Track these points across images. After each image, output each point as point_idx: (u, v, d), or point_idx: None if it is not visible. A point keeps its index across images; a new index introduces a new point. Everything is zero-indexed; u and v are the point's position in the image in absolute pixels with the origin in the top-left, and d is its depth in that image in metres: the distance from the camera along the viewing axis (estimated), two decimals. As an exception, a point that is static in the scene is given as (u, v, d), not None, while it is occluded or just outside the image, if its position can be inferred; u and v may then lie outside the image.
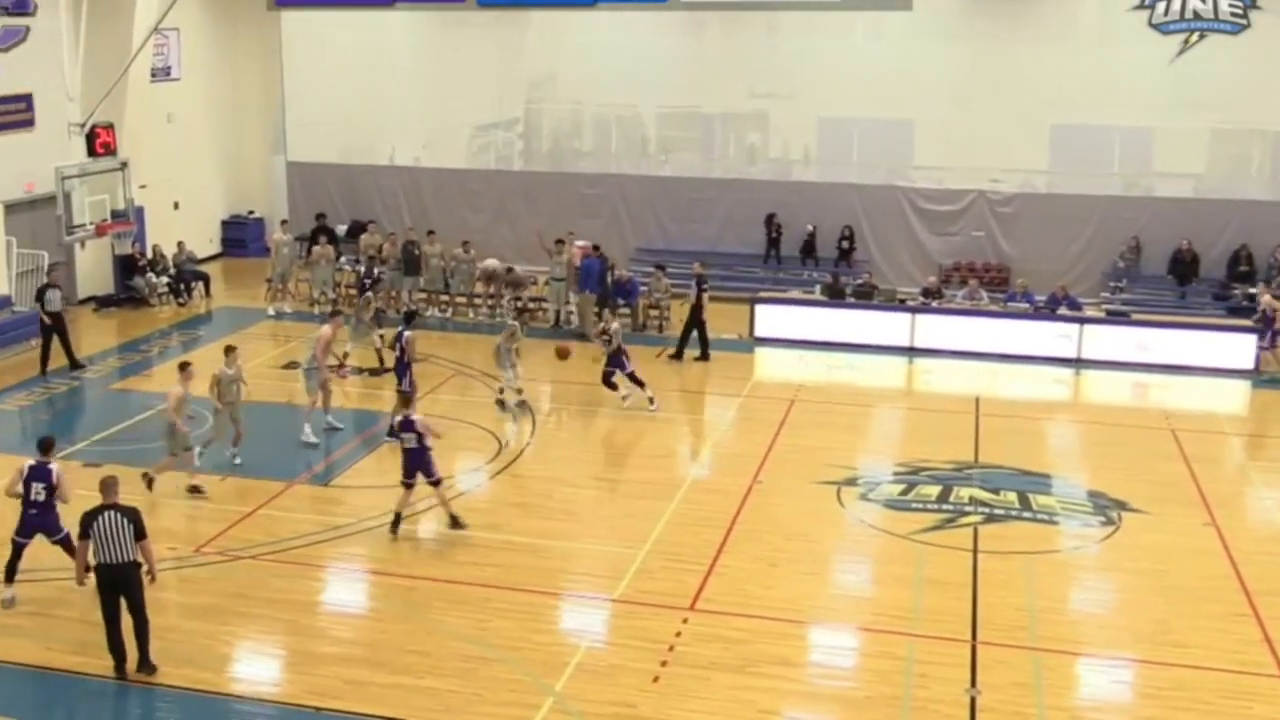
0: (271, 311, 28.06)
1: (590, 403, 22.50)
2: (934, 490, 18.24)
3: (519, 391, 21.88)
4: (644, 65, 31.04)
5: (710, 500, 17.82)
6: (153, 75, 30.54)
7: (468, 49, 32.35)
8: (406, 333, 20.70)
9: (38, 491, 14.14)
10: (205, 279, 30.15)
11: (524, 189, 32.21)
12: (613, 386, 21.87)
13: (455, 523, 16.61)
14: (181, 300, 29.34)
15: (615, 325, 22.07)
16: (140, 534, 12.84)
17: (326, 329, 20.11)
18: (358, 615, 14.74)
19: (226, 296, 30.20)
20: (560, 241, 27.72)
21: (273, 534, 16.51)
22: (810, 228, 29.97)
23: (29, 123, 27.19)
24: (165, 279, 29.41)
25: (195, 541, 16.12)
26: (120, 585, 12.81)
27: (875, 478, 18.86)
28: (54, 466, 14.26)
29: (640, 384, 21.86)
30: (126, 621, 12.98)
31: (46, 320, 23.51)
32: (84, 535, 12.77)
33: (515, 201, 32.11)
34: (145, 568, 12.97)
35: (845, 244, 29.93)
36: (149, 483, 17.47)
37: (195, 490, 17.65)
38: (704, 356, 24.94)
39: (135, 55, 28.25)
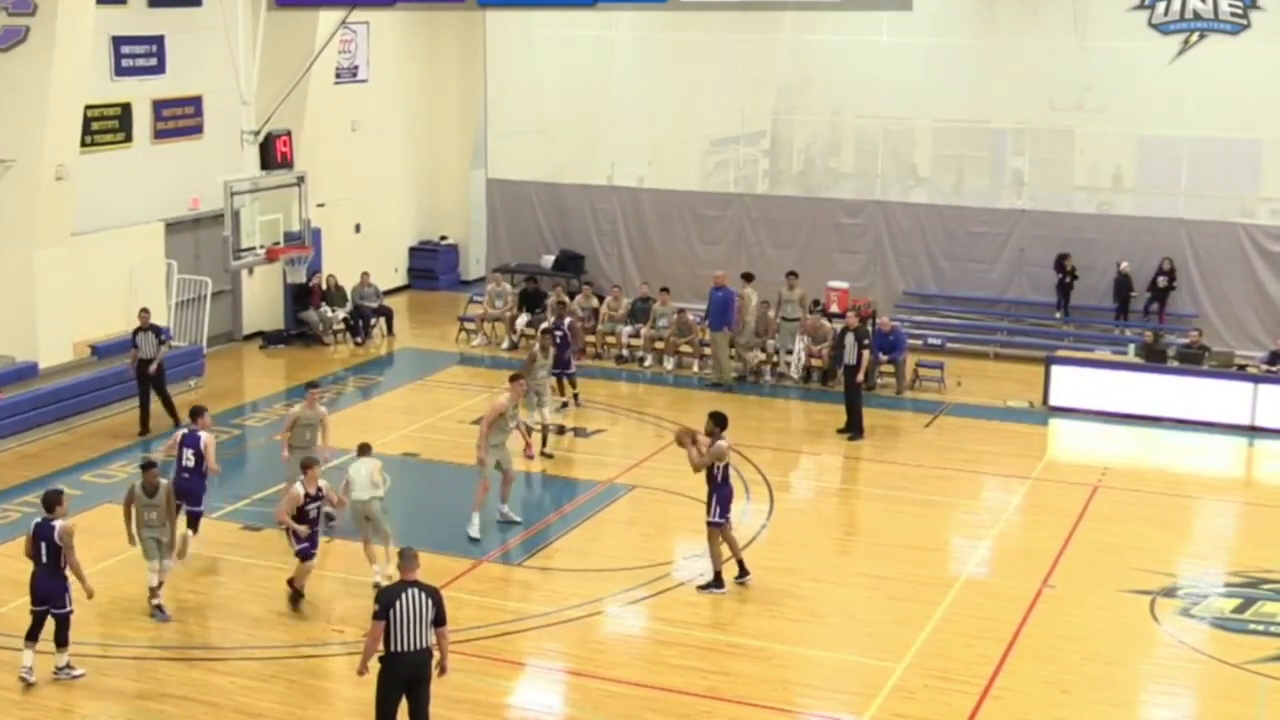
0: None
1: (841, 479, 22.28)
2: None
3: (560, 430, 23.67)
4: (919, 70, 30.93)
5: (988, 606, 17.51)
6: (337, 76, 31.78)
7: (704, 49, 32.66)
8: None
9: (188, 458, 18.05)
10: (388, 315, 31.23)
11: (767, 216, 32.34)
12: None
13: (744, 571, 17.91)
14: (359, 339, 30.47)
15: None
16: (440, 618, 13.12)
17: (503, 399, 19.70)
18: (551, 724, 14.88)
19: (411, 336, 31.21)
20: (793, 274, 27.90)
21: (454, 621, 16.75)
22: (1123, 265, 29.19)
23: (197, 129, 28.69)
24: (342, 314, 30.60)
25: (363, 624, 16.49)
26: (415, 680, 13.04)
27: (1201, 589, 18.36)
28: (204, 435, 18.20)
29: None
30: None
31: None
32: (380, 616, 12.90)
33: (758, 231, 32.28)
34: (436, 659, 13.21)
35: (1163, 280, 29.06)
36: None
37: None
38: (848, 429, 24.31)
39: (319, 53, 29.37)
